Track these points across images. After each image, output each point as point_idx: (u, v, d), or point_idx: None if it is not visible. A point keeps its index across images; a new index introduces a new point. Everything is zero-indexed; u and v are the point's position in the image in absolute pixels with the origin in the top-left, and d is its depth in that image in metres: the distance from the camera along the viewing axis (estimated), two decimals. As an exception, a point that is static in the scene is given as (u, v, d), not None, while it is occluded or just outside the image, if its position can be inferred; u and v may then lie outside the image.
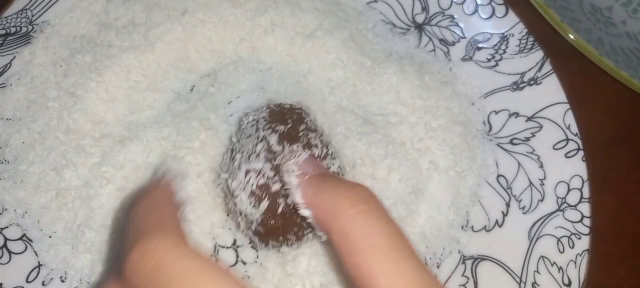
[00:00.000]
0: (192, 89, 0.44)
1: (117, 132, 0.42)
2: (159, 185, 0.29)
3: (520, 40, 0.46)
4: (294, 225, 0.32)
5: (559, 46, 0.47)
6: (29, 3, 0.43)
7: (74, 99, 0.41)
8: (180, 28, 0.44)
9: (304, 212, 0.27)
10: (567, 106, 0.43)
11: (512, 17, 0.46)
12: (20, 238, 0.38)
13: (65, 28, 0.43)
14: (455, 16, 0.47)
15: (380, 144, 0.41)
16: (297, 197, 0.28)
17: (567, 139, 0.43)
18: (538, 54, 0.45)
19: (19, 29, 0.43)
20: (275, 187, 0.31)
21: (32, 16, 0.43)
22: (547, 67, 0.45)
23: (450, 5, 0.47)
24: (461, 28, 0.47)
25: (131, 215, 0.26)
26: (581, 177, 0.42)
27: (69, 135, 0.40)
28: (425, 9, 0.48)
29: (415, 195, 0.40)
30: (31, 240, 0.38)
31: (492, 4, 0.46)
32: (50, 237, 0.39)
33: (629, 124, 0.50)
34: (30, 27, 0.43)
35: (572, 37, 0.45)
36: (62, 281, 0.37)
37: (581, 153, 0.42)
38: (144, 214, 0.26)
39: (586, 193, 0.41)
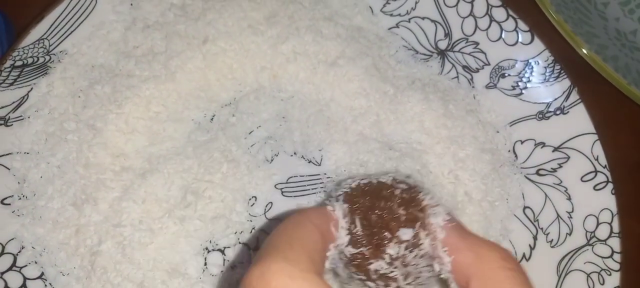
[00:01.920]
0: (212, 119, 0.43)
1: (137, 164, 0.41)
2: (322, 209, 0.28)
3: (546, 68, 0.45)
4: None
5: (585, 69, 0.46)
6: (46, 33, 0.42)
7: (94, 131, 0.40)
8: (201, 57, 0.43)
9: (444, 257, 0.27)
10: (595, 137, 0.43)
11: (538, 44, 0.45)
12: (39, 277, 0.38)
13: (83, 57, 0.42)
14: (479, 42, 0.46)
15: (416, 174, 0.41)
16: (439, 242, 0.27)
17: (596, 171, 0.42)
18: (565, 83, 0.44)
19: (36, 59, 0.42)
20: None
21: (50, 46, 0.42)
22: (575, 96, 0.44)
23: (474, 31, 0.46)
24: (485, 55, 0.46)
25: (279, 226, 0.25)
26: (611, 210, 0.41)
27: (88, 169, 0.40)
28: (448, 35, 0.47)
29: None
30: (49, 279, 0.37)
31: (517, 30, 0.45)
32: (63, 274, 0.38)
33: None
34: (47, 57, 0.42)
35: (608, 70, 0.44)
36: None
37: (610, 186, 0.42)
38: (289, 230, 0.24)
39: (616, 227, 0.41)
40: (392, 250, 0.27)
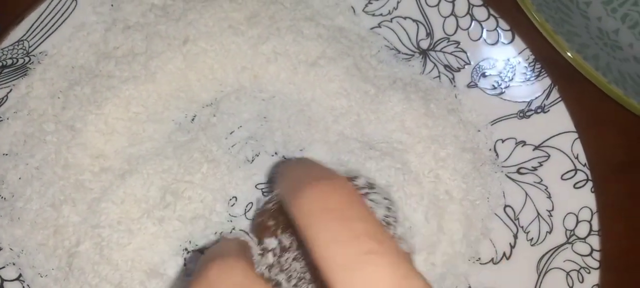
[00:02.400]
0: (193, 119, 0.43)
1: (116, 165, 0.41)
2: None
3: (526, 66, 0.45)
4: None
5: (568, 69, 0.46)
6: (25, 34, 0.42)
7: (73, 132, 0.40)
8: (182, 57, 0.43)
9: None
10: (575, 135, 0.43)
11: (519, 43, 0.45)
12: (17, 279, 0.37)
13: (63, 58, 0.42)
14: (460, 42, 0.46)
15: (396, 172, 0.41)
16: None
17: (576, 169, 0.42)
18: (545, 81, 0.44)
19: (15, 60, 0.42)
20: None
21: (29, 47, 0.42)
22: (555, 94, 0.44)
23: (456, 30, 0.46)
24: (466, 54, 0.46)
25: (290, 170, 0.25)
26: (590, 208, 0.41)
27: (67, 170, 0.39)
28: (429, 34, 0.47)
29: (439, 232, 0.40)
30: (27, 281, 0.37)
31: (498, 29, 0.46)
32: (41, 276, 0.38)
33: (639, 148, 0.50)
34: (27, 59, 0.42)
35: (589, 69, 0.44)
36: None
37: (590, 184, 0.42)
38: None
39: (596, 225, 0.41)
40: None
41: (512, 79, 0.45)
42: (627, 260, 0.46)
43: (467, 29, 0.46)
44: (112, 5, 0.44)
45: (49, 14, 0.42)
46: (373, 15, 0.48)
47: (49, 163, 0.40)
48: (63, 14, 0.43)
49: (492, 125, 0.45)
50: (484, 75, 0.46)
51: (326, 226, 0.20)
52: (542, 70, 0.44)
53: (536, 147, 0.44)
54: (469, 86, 0.46)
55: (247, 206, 0.41)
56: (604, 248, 0.41)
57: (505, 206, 0.43)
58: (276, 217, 0.28)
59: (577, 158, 0.42)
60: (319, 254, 0.20)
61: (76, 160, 0.40)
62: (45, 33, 0.42)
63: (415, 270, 0.19)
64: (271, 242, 0.27)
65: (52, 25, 0.42)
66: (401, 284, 0.18)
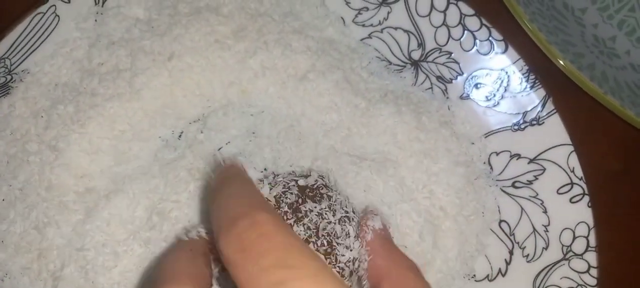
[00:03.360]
0: (180, 136, 0.42)
1: (101, 185, 0.40)
2: (228, 167, 0.31)
3: (521, 77, 0.44)
4: None
5: (563, 79, 0.45)
6: (7, 52, 0.41)
7: (56, 152, 0.39)
8: (167, 73, 0.42)
9: (363, 256, 0.31)
10: (571, 148, 0.42)
11: (512, 53, 0.44)
12: (1, 304, 0.37)
13: (46, 76, 0.42)
14: (452, 52, 0.45)
15: (389, 188, 0.40)
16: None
17: (572, 183, 0.41)
18: (540, 93, 0.43)
19: (-3, 79, 0.41)
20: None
21: (11, 65, 0.41)
22: (550, 106, 0.43)
23: (448, 40, 0.45)
24: (459, 64, 0.45)
25: (218, 196, 0.28)
26: (587, 224, 0.40)
27: (51, 191, 0.39)
28: (421, 45, 0.46)
29: (434, 249, 0.39)
30: (11, 306, 0.37)
31: (491, 39, 0.45)
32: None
33: (635, 157, 0.49)
34: (8, 77, 0.41)
35: (583, 79, 0.43)
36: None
37: (587, 198, 0.41)
38: (235, 193, 0.28)
39: (593, 241, 0.40)
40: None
41: (506, 89, 0.44)
42: (623, 270, 0.45)
43: (460, 39, 0.45)
44: (96, 20, 0.43)
45: (31, 32, 0.41)
46: (363, 25, 0.47)
47: (32, 184, 0.39)
48: (45, 30, 0.42)
49: (486, 137, 0.44)
50: (477, 86, 0.45)
51: (243, 266, 0.23)
52: (537, 80, 0.43)
53: (531, 160, 0.43)
54: (462, 98, 0.45)
55: (235, 225, 0.40)
56: (600, 260, 0.40)
57: (501, 221, 0.42)
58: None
59: (573, 171, 0.41)
60: None
61: (60, 181, 0.39)
62: (27, 51, 0.41)
63: (340, 284, 0.21)
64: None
65: (35, 43, 0.42)
66: None
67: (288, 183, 0.32)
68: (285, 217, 0.31)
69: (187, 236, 0.31)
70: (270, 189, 0.32)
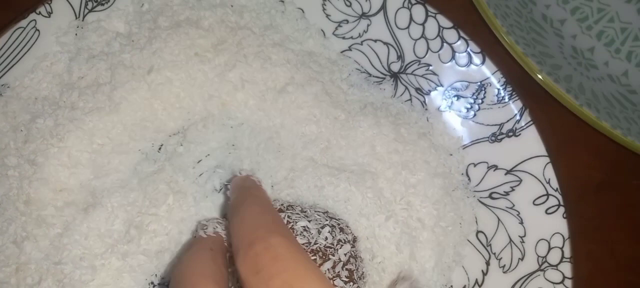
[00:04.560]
0: (160, 149, 0.43)
1: (80, 199, 0.40)
2: (243, 178, 0.36)
3: (498, 89, 0.44)
4: None
5: (541, 91, 0.46)
6: (-14, 67, 0.41)
7: (35, 166, 0.39)
8: (146, 87, 0.42)
9: None
10: (547, 159, 0.42)
11: (490, 66, 0.45)
12: (-22, 319, 0.37)
13: (25, 90, 0.42)
14: (431, 64, 0.46)
15: (366, 200, 0.40)
16: None
17: (548, 194, 0.42)
18: (517, 104, 0.44)
19: (-24, 94, 0.41)
20: None
21: (-9, 80, 0.41)
22: (527, 118, 0.43)
23: (426, 53, 0.46)
24: (438, 76, 0.46)
25: (239, 213, 0.31)
26: (562, 234, 0.41)
27: (29, 205, 0.39)
28: (400, 57, 0.46)
29: (411, 260, 0.40)
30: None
31: (469, 51, 0.45)
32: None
33: (615, 168, 0.49)
34: (-12, 92, 0.41)
35: (559, 91, 0.43)
36: None
37: (562, 209, 0.41)
38: (256, 215, 0.30)
39: (567, 252, 0.40)
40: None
41: (483, 101, 0.45)
42: (602, 280, 0.45)
43: (438, 51, 0.46)
44: (76, 34, 0.44)
45: (10, 46, 0.42)
46: (343, 38, 0.47)
47: (10, 199, 0.39)
48: (25, 45, 0.42)
49: (464, 149, 0.45)
50: (456, 97, 0.45)
51: (256, 287, 0.26)
52: (514, 92, 0.44)
53: (508, 172, 0.43)
54: (440, 109, 0.46)
55: (214, 237, 0.40)
56: (578, 271, 0.41)
57: (478, 232, 0.43)
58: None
59: (549, 183, 0.42)
60: None
61: (38, 195, 0.39)
62: (7, 65, 0.42)
63: None
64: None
65: (15, 57, 0.42)
66: None
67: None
68: None
69: (205, 232, 0.34)
70: None
